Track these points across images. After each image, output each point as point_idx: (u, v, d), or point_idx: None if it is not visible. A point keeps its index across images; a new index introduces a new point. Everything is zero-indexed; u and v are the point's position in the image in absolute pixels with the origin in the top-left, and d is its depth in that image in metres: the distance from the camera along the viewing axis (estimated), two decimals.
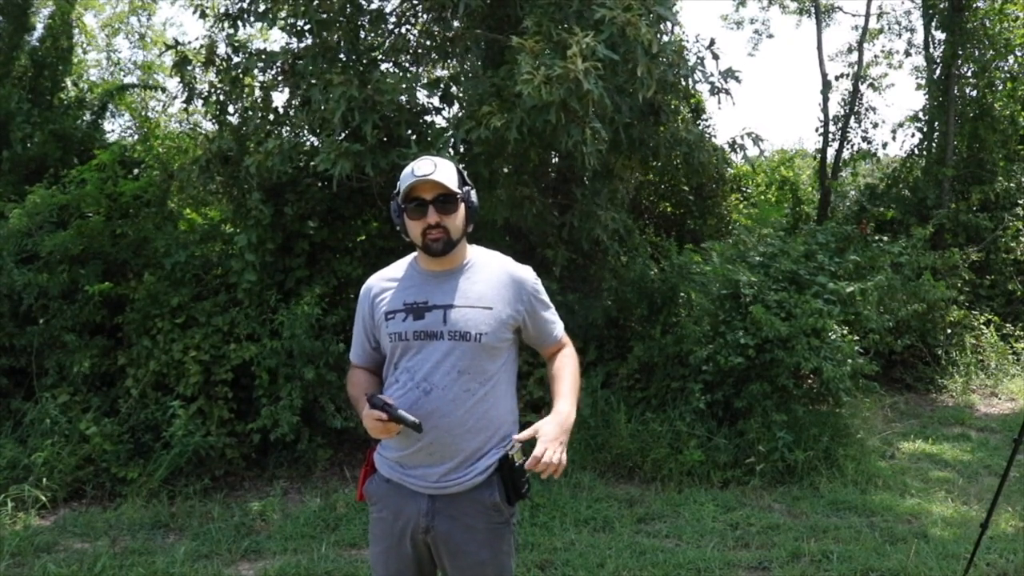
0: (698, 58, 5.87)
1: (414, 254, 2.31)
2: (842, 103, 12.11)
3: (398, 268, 2.31)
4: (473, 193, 2.26)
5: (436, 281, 2.22)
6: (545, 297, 2.34)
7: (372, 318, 2.27)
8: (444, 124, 5.77)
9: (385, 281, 2.30)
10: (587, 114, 4.65)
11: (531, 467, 2.05)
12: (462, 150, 5.67)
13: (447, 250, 2.18)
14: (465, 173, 2.27)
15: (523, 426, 2.27)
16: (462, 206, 2.20)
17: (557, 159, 6.74)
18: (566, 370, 2.31)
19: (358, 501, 2.49)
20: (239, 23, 5.97)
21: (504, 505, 2.19)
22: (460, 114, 5.63)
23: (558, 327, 2.37)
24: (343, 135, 5.24)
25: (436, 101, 6.06)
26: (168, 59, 7.32)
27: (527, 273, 2.30)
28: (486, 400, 2.17)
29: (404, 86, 5.25)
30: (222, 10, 6.18)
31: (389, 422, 2.05)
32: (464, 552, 2.17)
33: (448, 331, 2.15)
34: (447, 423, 2.14)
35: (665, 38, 5.49)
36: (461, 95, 5.87)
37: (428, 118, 5.98)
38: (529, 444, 2.13)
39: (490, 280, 2.23)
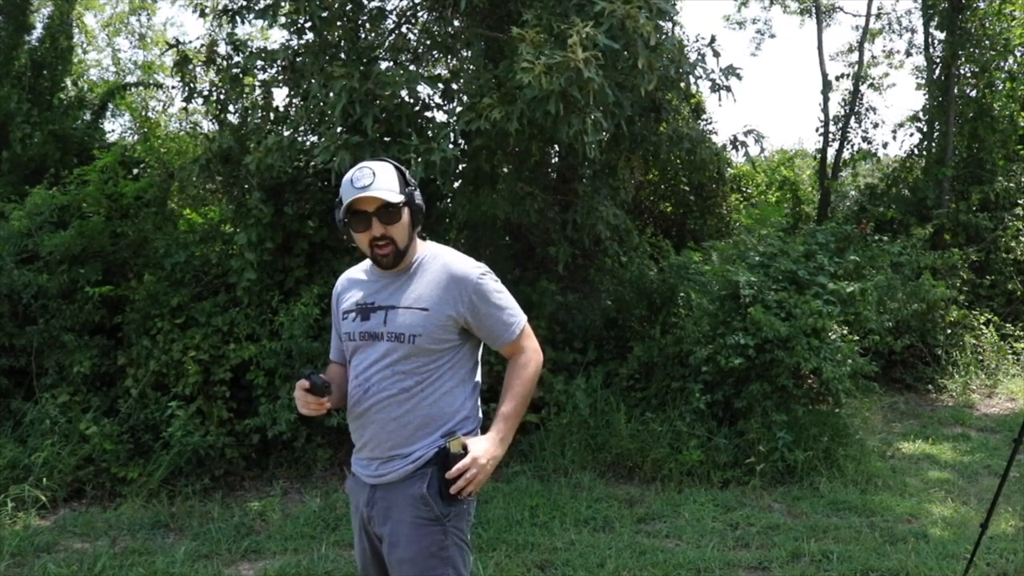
0: (699, 55, 5.88)
1: None
2: (842, 103, 12.15)
3: (361, 268, 2.36)
4: (417, 193, 2.22)
5: (385, 283, 2.25)
6: (495, 297, 2.21)
7: (338, 316, 2.35)
8: (445, 119, 5.77)
9: (348, 281, 2.37)
10: (588, 104, 4.65)
11: (451, 475, 2.08)
12: (462, 143, 5.66)
13: (396, 262, 2.19)
14: (407, 172, 2.24)
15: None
16: (406, 211, 2.18)
17: (558, 158, 6.75)
18: (512, 389, 2.22)
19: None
20: (237, 18, 5.98)
21: (434, 499, 2.11)
22: (459, 108, 5.63)
23: (512, 328, 2.24)
24: (343, 129, 5.24)
25: (437, 98, 6.07)
26: (168, 59, 7.33)
27: (470, 272, 2.20)
28: (422, 397, 2.17)
29: (406, 79, 5.25)
30: (221, 6, 6.19)
31: (315, 397, 2.11)
32: (394, 545, 2.16)
33: (387, 332, 2.18)
34: (382, 419, 2.18)
35: (666, 35, 5.50)
36: (461, 90, 5.87)
37: (429, 114, 5.98)
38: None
39: (431, 281, 2.20)
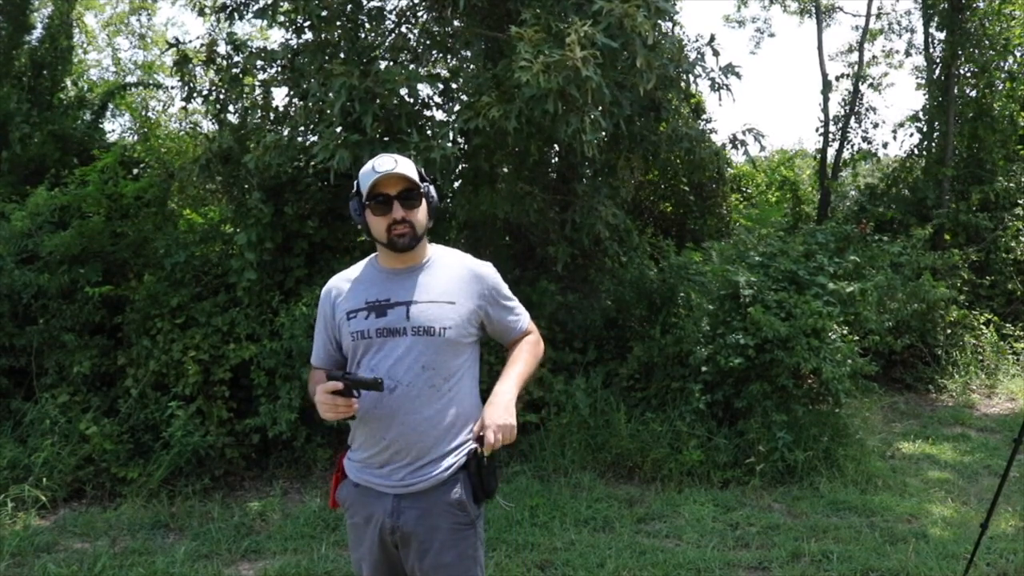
0: (699, 54, 5.88)
1: (373, 255, 2.31)
2: (842, 103, 12.16)
3: (357, 269, 2.32)
4: (432, 189, 2.25)
5: (397, 278, 2.21)
6: (506, 291, 2.32)
7: (333, 319, 2.26)
8: (444, 118, 5.78)
9: (345, 281, 2.29)
10: (586, 103, 4.65)
11: (488, 449, 2.07)
12: (462, 143, 5.66)
13: (413, 245, 2.18)
14: (423, 170, 2.27)
15: None
16: (424, 201, 2.20)
17: (557, 158, 6.75)
18: (520, 355, 2.29)
19: (331, 508, 2.46)
20: (235, 16, 5.98)
21: (470, 504, 2.16)
22: (458, 107, 5.64)
23: (522, 321, 2.35)
24: (341, 127, 5.25)
25: (437, 97, 6.07)
26: (168, 59, 7.34)
27: (487, 268, 2.29)
28: (451, 396, 2.16)
29: (405, 76, 5.25)
30: (220, 4, 6.19)
31: (345, 399, 2.03)
32: (429, 552, 2.14)
33: (412, 327, 2.14)
34: (413, 420, 2.12)
35: (665, 35, 5.50)
36: (460, 90, 5.87)
37: (428, 113, 5.98)
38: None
39: (451, 275, 2.22)
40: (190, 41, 6.51)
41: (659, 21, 5.32)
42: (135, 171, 6.95)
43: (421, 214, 2.19)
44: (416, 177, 2.18)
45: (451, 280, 2.21)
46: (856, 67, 12.06)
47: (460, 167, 5.88)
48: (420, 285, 2.18)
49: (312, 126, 5.58)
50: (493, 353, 5.12)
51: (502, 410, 2.09)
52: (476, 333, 2.24)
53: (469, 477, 2.15)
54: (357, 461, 2.24)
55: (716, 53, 5.86)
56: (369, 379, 2.04)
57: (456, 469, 2.15)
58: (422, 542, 2.14)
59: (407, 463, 2.14)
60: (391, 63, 6.11)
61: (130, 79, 13.67)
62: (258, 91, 6.06)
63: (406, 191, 2.15)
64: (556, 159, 6.79)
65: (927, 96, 10.43)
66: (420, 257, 2.23)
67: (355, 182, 2.23)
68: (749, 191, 12.19)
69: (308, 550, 4.33)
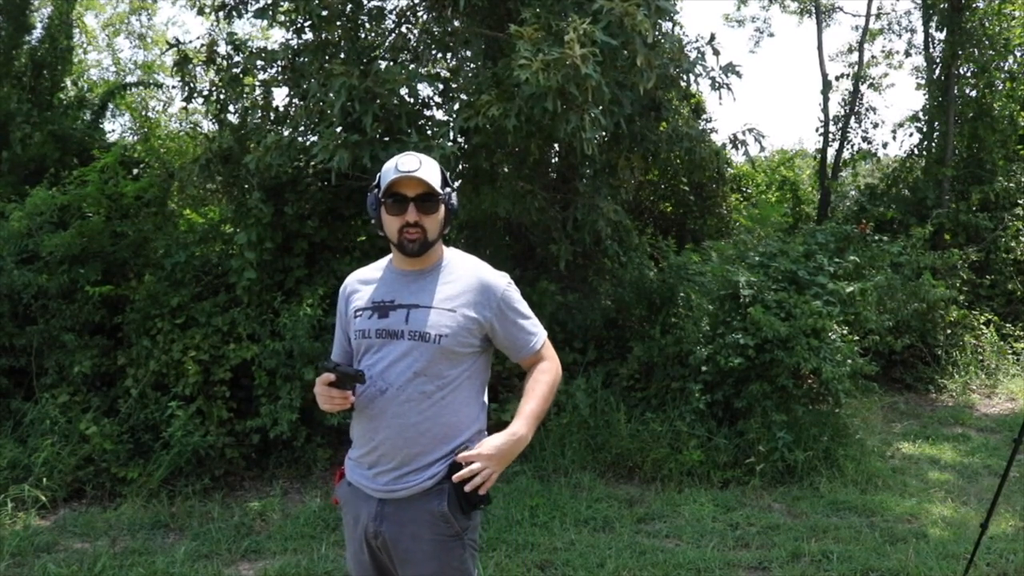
0: (699, 53, 5.88)
1: (391, 255, 2.28)
2: (842, 103, 12.16)
3: (375, 268, 2.30)
4: (454, 196, 2.21)
5: (406, 280, 2.18)
6: (520, 306, 2.24)
7: (346, 315, 2.26)
8: (444, 118, 5.78)
9: (360, 280, 2.28)
10: (586, 101, 4.65)
11: (457, 479, 2.02)
12: (462, 142, 5.67)
13: (422, 251, 2.14)
14: (448, 175, 2.23)
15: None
16: (442, 207, 2.16)
17: (558, 158, 6.75)
18: (536, 390, 2.19)
19: (334, 505, 2.44)
20: (235, 15, 5.98)
21: (454, 516, 2.08)
22: (458, 106, 5.65)
23: (535, 339, 2.25)
24: (341, 127, 5.24)
25: (437, 96, 6.07)
26: (169, 59, 7.35)
27: (499, 279, 2.21)
28: (443, 404, 2.11)
29: (405, 76, 5.25)
30: (219, 2, 6.20)
31: (340, 391, 2.04)
32: (410, 562, 2.10)
33: (408, 331, 2.10)
34: (399, 424, 2.09)
35: (666, 34, 5.50)
36: (460, 89, 5.88)
37: (428, 112, 5.98)
38: None
39: (459, 283, 2.17)
40: (190, 41, 6.51)
41: (659, 20, 5.32)
42: (135, 171, 6.94)
43: (436, 220, 2.14)
44: (438, 183, 2.13)
45: (457, 288, 2.16)
46: (856, 67, 12.06)
47: (460, 166, 5.88)
48: (425, 290, 2.15)
49: (312, 126, 5.58)
50: (495, 353, 5.12)
51: (506, 452, 2.06)
52: (478, 344, 2.18)
53: (452, 488, 2.07)
54: (352, 459, 2.23)
55: (716, 52, 5.86)
56: (352, 372, 2.04)
57: (440, 479, 2.09)
58: (405, 551, 2.10)
59: (392, 468, 2.11)
60: (391, 63, 6.10)
61: (130, 79, 13.68)
62: (258, 91, 6.06)
63: (425, 195, 2.11)
64: (556, 159, 6.80)
65: (927, 96, 10.44)
66: (432, 260, 2.20)
67: (377, 175, 2.19)
68: (749, 191, 12.18)
69: (308, 550, 4.33)
